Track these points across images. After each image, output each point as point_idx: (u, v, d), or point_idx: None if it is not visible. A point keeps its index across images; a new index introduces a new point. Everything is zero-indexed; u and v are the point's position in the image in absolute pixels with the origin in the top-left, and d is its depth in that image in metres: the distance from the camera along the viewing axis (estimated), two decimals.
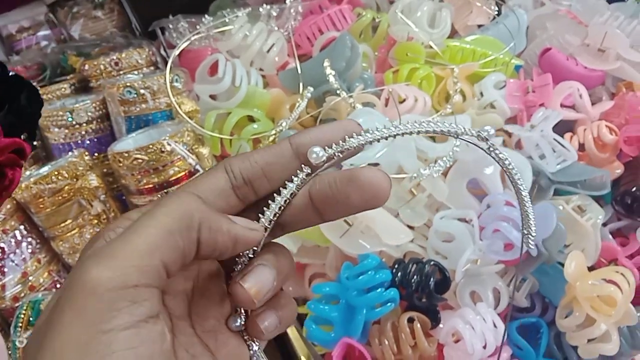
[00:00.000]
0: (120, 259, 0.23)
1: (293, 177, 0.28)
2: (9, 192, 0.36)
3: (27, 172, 0.67)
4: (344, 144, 0.27)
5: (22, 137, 0.38)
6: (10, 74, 0.38)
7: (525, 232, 0.30)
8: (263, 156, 0.28)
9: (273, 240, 0.30)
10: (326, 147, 0.27)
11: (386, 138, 0.28)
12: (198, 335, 0.28)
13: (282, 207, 0.28)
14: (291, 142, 0.28)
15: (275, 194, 0.28)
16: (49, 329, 0.22)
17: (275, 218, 0.28)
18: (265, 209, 0.28)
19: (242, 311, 0.29)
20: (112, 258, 0.23)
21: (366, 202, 0.26)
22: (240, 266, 0.29)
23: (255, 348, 0.30)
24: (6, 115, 0.37)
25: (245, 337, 0.30)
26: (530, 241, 0.30)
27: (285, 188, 0.28)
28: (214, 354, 0.28)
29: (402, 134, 0.28)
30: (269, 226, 0.28)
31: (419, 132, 0.28)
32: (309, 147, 0.27)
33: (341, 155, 0.28)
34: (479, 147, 0.29)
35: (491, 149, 0.29)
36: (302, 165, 0.28)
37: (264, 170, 0.28)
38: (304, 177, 0.28)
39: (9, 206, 0.65)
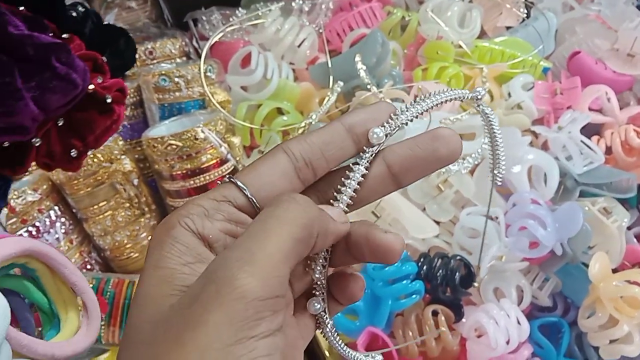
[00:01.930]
0: (264, 268, 0.23)
1: (357, 159, 0.29)
2: (117, 125, 0.41)
3: None
4: (396, 121, 0.29)
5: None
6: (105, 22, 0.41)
7: (496, 171, 0.33)
8: (319, 137, 0.29)
9: None
10: (385, 125, 0.29)
11: (426, 110, 0.29)
12: None
13: (356, 188, 0.29)
14: (343, 122, 0.29)
15: (342, 178, 0.29)
16: (191, 325, 0.22)
17: (350, 200, 0.29)
18: (338, 191, 0.29)
19: (324, 290, 0.30)
20: (256, 265, 0.23)
21: (451, 153, 0.29)
22: (322, 261, 0.30)
23: (330, 324, 0.31)
24: (109, 58, 0.40)
25: (325, 317, 0.31)
26: (498, 179, 0.33)
27: (350, 170, 0.29)
28: None
29: (431, 107, 0.30)
30: (346, 209, 0.29)
31: (436, 104, 0.30)
32: (360, 127, 0.29)
33: (397, 131, 0.29)
34: (472, 105, 0.32)
35: (480, 106, 0.31)
36: (365, 147, 0.29)
37: (322, 150, 0.28)
38: (369, 156, 0.29)
39: (45, 186, 0.67)
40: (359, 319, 0.60)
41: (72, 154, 0.39)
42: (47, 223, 0.67)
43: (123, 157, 0.68)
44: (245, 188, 0.27)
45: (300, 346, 0.30)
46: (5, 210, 0.66)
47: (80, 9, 0.40)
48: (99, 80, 0.39)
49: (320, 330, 0.31)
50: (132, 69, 0.79)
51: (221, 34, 0.77)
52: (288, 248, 0.24)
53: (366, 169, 0.29)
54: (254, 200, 0.28)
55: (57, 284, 0.42)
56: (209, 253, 0.26)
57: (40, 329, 0.43)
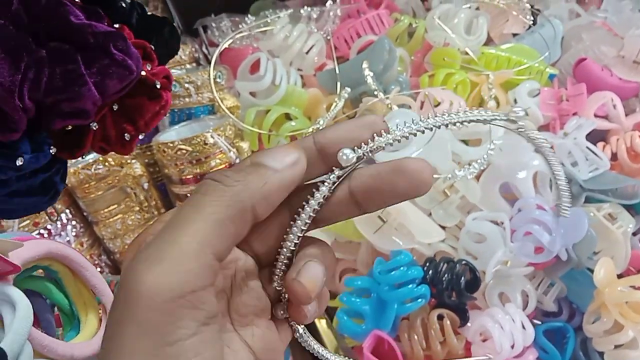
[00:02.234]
0: (173, 263, 0.22)
1: (324, 181, 0.28)
2: (165, 110, 0.42)
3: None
4: (372, 143, 0.27)
5: None
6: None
7: (560, 203, 0.31)
8: None
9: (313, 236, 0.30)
10: (355, 148, 0.27)
11: (415, 134, 0.27)
12: (237, 331, 0.29)
13: (316, 210, 0.28)
14: (315, 140, 0.27)
15: (308, 197, 0.28)
16: (112, 344, 0.21)
17: (310, 220, 0.28)
18: (300, 210, 0.28)
19: (286, 299, 0.30)
20: (163, 262, 0.22)
21: (413, 189, 0.26)
22: (281, 261, 0.29)
23: (301, 330, 0.31)
24: (155, 46, 0.42)
25: (292, 322, 0.31)
26: (565, 212, 0.31)
27: (317, 189, 0.28)
28: (251, 347, 0.29)
29: (432, 127, 0.27)
30: (304, 228, 0.28)
31: (447, 125, 0.28)
32: (333, 147, 0.27)
33: (371, 155, 0.27)
34: (510, 129, 0.29)
35: (521, 130, 0.28)
36: (333, 168, 0.27)
37: None
38: (335, 179, 0.28)
39: None
40: (365, 323, 0.60)
41: (125, 137, 0.40)
42: (59, 226, 0.68)
43: (133, 161, 0.69)
44: None
45: (280, 349, 0.30)
46: None
47: (127, 0, 0.42)
48: (148, 67, 0.40)
49: (297, 335, 0.31)
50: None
51: (230, 41, 0.78)
52: (208, 232, 0.23)
53: (330, 192, 0.28)
54: None
55: (78, 286, 0.43)
56: None
57: (60, 329, 0.44)
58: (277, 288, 0.29)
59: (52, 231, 0.68)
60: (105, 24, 0.37)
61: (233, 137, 0.69)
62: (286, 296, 0.30)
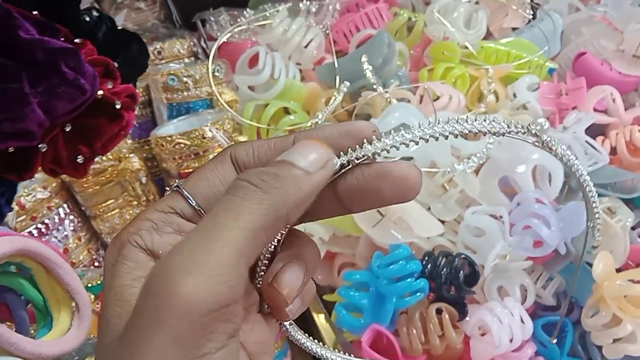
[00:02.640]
0: (210, 274, 0.21)
1: None
2: (125, 132, 0.40)
3: None
4: (360, 150, 0.25)
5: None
6: (119, 28, 0.42)
7: (591, 224, 0.29)
8: (266, 153, 0.26)
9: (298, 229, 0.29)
10: (341, 154, 0.25)
11: (407, 144, 0.25)
12: None
13: None
14: (296, 140, 0.26)
15: None
16: (136, 347, 0.21)
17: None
18: None
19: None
20: (199, 272, 0.21)
21: (398, 196, 0.25)
22: (262, 259, 0.28)
23: (287, 324, 0.30)
24: (121, 63, 0.40)
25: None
26: (596, 235, 0.29)
27: None
28: (242, 344, 0.28)
29: (437, 136, 0.25)
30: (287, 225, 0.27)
31: (457, 135, 0.25)
32: None
33: (357, 162, 0.25)
34: (528, 142, 0.26)
35: (539, 143, 0.26)
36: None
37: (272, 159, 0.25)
38: None
39: (54, 184, 0.68)
40: (364, 317, 0.60)
41: (78, 160, 0.39)
42: (56, 220, 0.68)
43: (131, 155, 0.69)
44: (191, 198, 0.26)
45: (269, 342, 0.29)
46: (15, 208, 0.67)
47: (95, 13, 0.40)
48: (109, 86, 0.39)
49: (283, 328, 0.31)
50: None
51: (229, 34, 0.78)
52: (244, 242, 0.22)
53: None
54: (201, 210, 0.26)
55: (51, 283, 0.42)
56: None
57: (34, 325, 0.43)
58: (259, 286, 0.29)
59: (50, 225, 0.68)
60: (62, 39, 0.36)
61: (231, 131, 0.69)
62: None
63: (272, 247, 0.28)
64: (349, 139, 0.25)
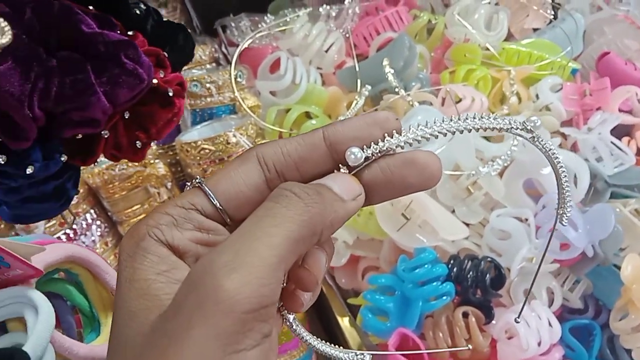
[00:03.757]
0: (253, 275, 0.21)
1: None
2: (178, 118, 0.42)
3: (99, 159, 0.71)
4: (383, 144, 0.26)
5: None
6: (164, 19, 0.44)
7: (561, 211, 0.30)
8: (297, 149, 0.27)
9: None
10: (364, 147, 0.26)
11: (427, 138, 0.27)
12: None
13: None
14: (325, 135, 0.27)
15: None
16: (175, 338, 0.21)
17: None
18: None
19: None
20: (243, 271, 0.21)
21: (423, 182, 0.27)
22: None
23: (291, 320, 0.31)
24: (169, 53, 0.42)
25: (284, 312, 0.31)
26: (564, 220, 0.30)
27: None
28: None
29: (445, 132, 0.27)
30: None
31: (462, 131, 0.27)
32: (344, 144, 0.26)
33: (379, 155, 0.27)
34: (524, 137, 0.28)
35: (536, 139, 0.28)
36: (340, 166, 0.27)
37: (297, 165, 0.27)
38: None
39: (81, 190, 0.69)
40: (390, 320, 0.60)
41: (137, 145, 0.40)
42: (84, 226, 0.69)
43: (157, 161, 0.69)
44: (213, 197, 0.26)
45: (275, 339, 0.29)
46: None
47: (142, 6, 0.42)
48: (161, 75, 0.40)
49: (288, 325, 0.31)
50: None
51: (250, 40, 0.79)
52: (284, 250, 0.23)
53: None
54: (222, 210, 0.26)
55: (98, 289, 0.43)
56: (182, 263, 0.25)
57: (80, 330, 0.44)
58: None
59: (78, 231, 0.69)
60: (118, 32, 0.37)
61: (255, 136, 0.70)
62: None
63: None
64: (376, 128, 0.27)
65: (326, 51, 0.79)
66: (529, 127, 0.27)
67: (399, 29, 0.85)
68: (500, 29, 0.81)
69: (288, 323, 0.31)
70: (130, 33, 0.40)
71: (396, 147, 0.26)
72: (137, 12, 0.41)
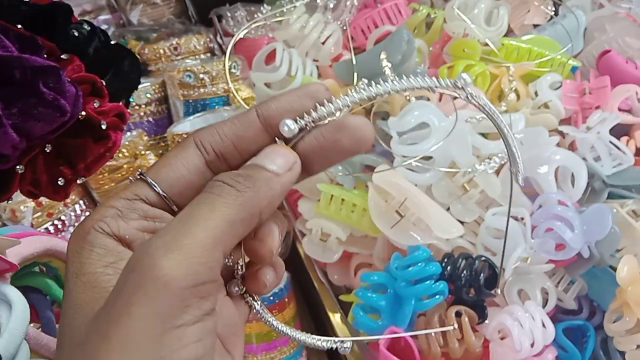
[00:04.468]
0: (189, 255, 0.23)
1: None
2: (111, 153, 0.38)
3: None
4: (315, 113, 0.27)
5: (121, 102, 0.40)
6: (112, 42, 0.40)
7: (514, 169, 0.31)
8: (232, 129, 0.28)
9: None
10: (297, 119, 0.27)
11: (359, 103, 0.28)
12: None
13: None
14: (258, 112, 0.28)
15: None
16: (115, 318, 0.22)
17: None
18: None
19: (239, 276, 0.30)
20: (180, 252, 0.23)
21: (355, 145, 0.27)
22: None
23: (258, 305, 0.31)
24: (111, 80, 0.39)
25: (247, 299, 0.31)
26: (519, 177, 0.31)
27: None
28: None
29: (375, 95, 0.27)
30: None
31: (390, 92, 0.28)
32: (277, 118, 0.27)
33: (313, 125, 0.28)
34: (459, 97, 0.29)
35: (470, 97, 0.28)
36: (276, 139, 0.28)
37: (234, 144, 0.28)
38: None
39: None
40: (382, 318, 0.59)
41: (59, 182, 0.37)
42: (73, 217, 0.68)
43: (147, 152, 0.68)
44: (155, 185, 0.27)
45: (239, 325, 0.30)
46: (32, 204, 0.67)
47: (86, 27, 0.38)
48: (96, 105, 0.37)
49: (254, 310, 0.31)
50: (155, 66, 0.79)
51: (246, 31, 0.77)
52: (220, 232, 0.24)
53: None
54: (166, 197, 0.27)
55: None
56: (130, 252, 0.26)
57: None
58: (229, 264, 0.30)
59: (66, 222, 0.68)
60: (44, 56, 0.34)
61: None
62: (241, 270, 0.30)
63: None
64: (308, 100, 0.28)
65: (323, 43, 0.78)
66: (459, 85, 0.28)
67: (398, 23, 0.84)
68: (500, 24, 0.79)
69: (254, 310, 0.31)
70: (64, 56, 0.36)
71: (328, 115, 0.27)
72: (77, 33, 0.37)
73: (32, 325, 0.35)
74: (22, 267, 0.37)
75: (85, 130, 0.36)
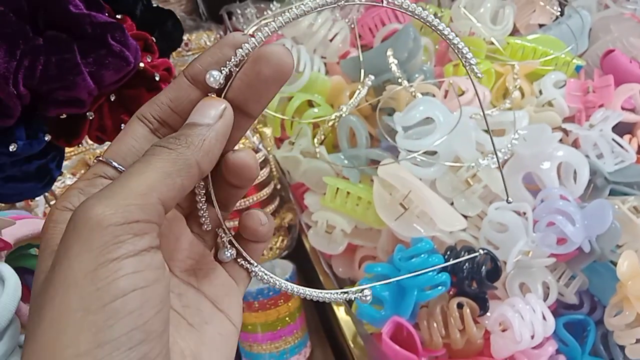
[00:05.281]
0: (121, 199, 0.24)
1: None
2: None
3: None
4: (234, 57, 0.28)
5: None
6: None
7: (466, 63, 0.31)
8: (167, 96, 0.29)
9: None
10: (222, 68, 0.28)
11: (270, 34, 0.28)
12: (177, 276, 0.31)
13: None
14: (186, 75, 0.29)
15: None
16: (56, 263, 0.24)
17: None
18: None
19: (227, 241, 0.32)
20: (113, 198, 0.24)
21: (277, 72, 0.28)
22: (202, 206, 0.31)
23: (256, 269, 0.32)
24: (157, 39, 0.42)
25: (241, 262, 0.32)
26: (475, 69, 0.30)
27: None
28: (199, 289, 0.31)
29: (292, 18, 0.28)
30: None
31: (322, 7, 0.28)
32: (204, 75, 0.28)
33: (236, 69, 0.28)
34: (401, 10, 0.29)
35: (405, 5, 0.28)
36: (209, 94, 0.29)
37: (172, 109, 0.29)
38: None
39: (83, 171, 0.69)
40: (384, 309, 0.60)
41: (121, 128, 0.40)
42: None
43: None
44: (111, 160, 0.28)
45: (237, 294, 0.33)
46: (45, 194, 0.69)
47: None
48: (148, 59, 0.41)
49: (252, 274, 0.33)
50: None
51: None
52: (154, 180, 0.25)
53: None
54: (122, 169, 0.28)
55: None
56: None
57: None
58: (207, 228, 0.31)
59: None
60: (106, 14, 0.38)
61: (256, 123, 0.70)
62: (223, 239, 0.32)
63: (204, 197, 0.31)
64: (228, 48, 0.28)
65: (331, 40, 0.79)
66: None
67: (405, 21, 0.85)
68: (506, 23, 0.80)
69: (252, 273, 0.32)
70: (118, 17, 0.40)
71: (247, 54, 0.27)
72: None
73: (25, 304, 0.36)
74: (17, 248, 0.39)
75: (140, 82, 0.40)
